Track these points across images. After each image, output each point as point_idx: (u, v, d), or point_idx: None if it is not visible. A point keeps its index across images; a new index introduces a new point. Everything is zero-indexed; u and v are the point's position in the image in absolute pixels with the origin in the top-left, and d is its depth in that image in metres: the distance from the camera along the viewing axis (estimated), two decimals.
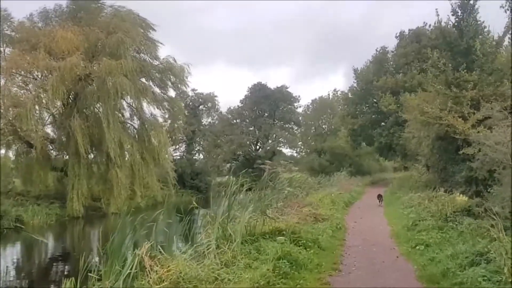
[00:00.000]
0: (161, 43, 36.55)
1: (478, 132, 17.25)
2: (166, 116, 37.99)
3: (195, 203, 13.04)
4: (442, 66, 20.97)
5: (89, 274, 8.26)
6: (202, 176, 51.28)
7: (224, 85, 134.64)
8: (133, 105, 34.63)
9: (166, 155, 36.57)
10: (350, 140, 56.05)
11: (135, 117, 35.55)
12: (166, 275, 7.88)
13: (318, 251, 11.66)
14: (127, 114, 35.70)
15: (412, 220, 16.14)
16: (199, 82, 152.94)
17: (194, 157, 61.11)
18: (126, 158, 33.48)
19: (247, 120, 70.84)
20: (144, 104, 34.90)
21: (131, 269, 7.86)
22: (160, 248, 8.94)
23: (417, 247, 11.90)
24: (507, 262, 7.47)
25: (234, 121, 70.92)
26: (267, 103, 68.75)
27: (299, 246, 11.21)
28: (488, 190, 15.02)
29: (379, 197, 27.49)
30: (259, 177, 16.82)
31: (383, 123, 48.66)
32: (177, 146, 59.06)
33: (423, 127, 23.15)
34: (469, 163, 18.15)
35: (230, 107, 71.54)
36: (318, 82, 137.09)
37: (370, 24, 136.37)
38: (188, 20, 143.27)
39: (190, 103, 61.17)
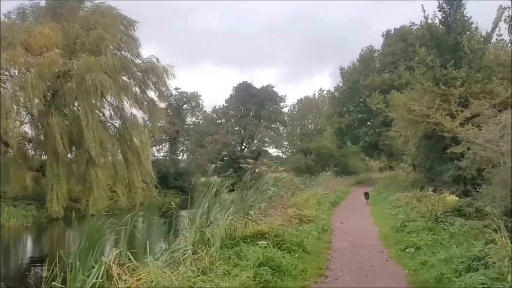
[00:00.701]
0: (140, 41, 35.51)
1: (467, 130, 16.87)
2: (146, 118, 36.81)
3: (173, 204, 12.36)
4: (429, 62, 20.54)
5: (53, 283, 7.59)
6: (186, 177, 50.26)
7: (211, 85, 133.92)
8: (114, 104, 33.53)
9: (148, 155, 35.60)
10: (336, 140, 55.69)
11: (116, 116, 34.46)
12: (136, 284, 7.14)
13: (303, 255, 11.02)
14: (107, 113, 34.56)
15: (400, 221, 15.58)
16: (186, 81, 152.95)
17: (178, 157, 60.02)
18: (108, 158, 32.54)
19: (232, 120, 70.01)
20: (125, 104, 33.88)
21: (97, 278, 7.14)
22: (130, 255, 8.18)
23: (407, 250, 11.30)
24: (510, 268, 6.81)
25: (219, 120, 70.07)
26: (252, 103, 68.11)
27: (282, 250, 10.52)
28: (477, 190, 14.60)
29: (366, 194, 27.31)
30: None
31: (369, 122, 48.36)
32: (160, 146, 58.00)
33: (410, 125, 22.78)
34: (457, 162, 17.79)
35: (215, 106, 70.72)
36: (305, 82, 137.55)
37: (359, 25, 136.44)
38: (179, 20, 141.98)
39: (174, 102, 60.03)
